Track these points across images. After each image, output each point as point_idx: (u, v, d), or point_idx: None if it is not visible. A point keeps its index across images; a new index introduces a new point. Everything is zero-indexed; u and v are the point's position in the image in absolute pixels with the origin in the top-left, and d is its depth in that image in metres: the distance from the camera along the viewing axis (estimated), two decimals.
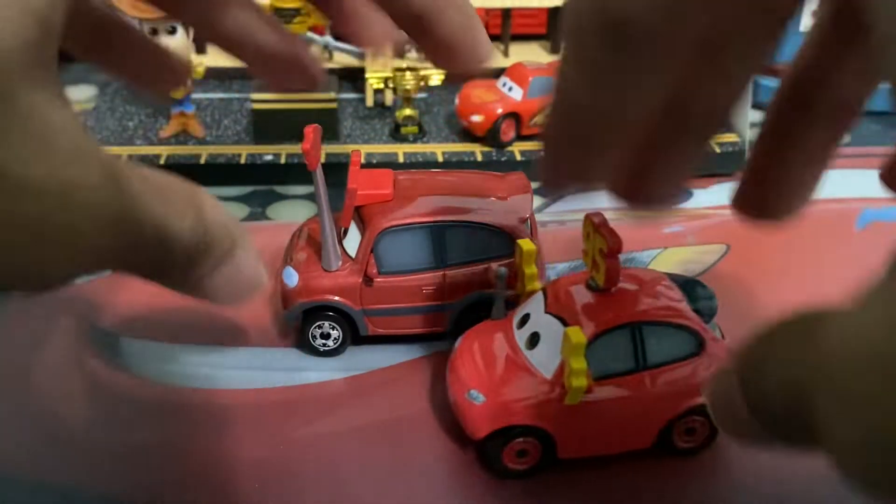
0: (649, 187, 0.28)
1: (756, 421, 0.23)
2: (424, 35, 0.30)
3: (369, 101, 0.59)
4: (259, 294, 0.30)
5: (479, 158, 0.53)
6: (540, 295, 0.32)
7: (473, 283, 0.36)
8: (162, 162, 0.51)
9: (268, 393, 0.35)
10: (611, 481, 0.31)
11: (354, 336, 0.37)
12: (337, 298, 0.36)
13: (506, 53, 0.64)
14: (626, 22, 0.22)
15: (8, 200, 0.19)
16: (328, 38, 0.61)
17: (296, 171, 0.52)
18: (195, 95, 0.54)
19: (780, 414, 0.21)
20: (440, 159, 0.53)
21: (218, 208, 0.29)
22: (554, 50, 0.66)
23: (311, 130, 0.32)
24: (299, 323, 0.37)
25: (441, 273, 0.36)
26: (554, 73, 0.24)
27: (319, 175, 0.34)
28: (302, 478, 0.31)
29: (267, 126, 0.53)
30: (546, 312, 0.31)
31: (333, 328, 0.37)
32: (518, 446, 0.31)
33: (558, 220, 0.47)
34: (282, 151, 0.53)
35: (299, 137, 0.59)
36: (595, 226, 0.29)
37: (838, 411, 0.17)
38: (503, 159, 0.53)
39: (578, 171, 0.27)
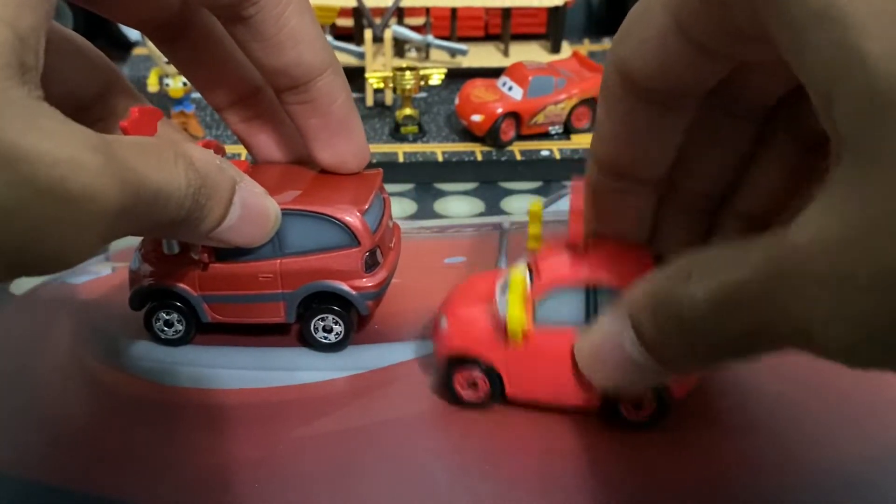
0: (656, 241, 0.32)
1: (656, 356, 0.26)
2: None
3: (369, 101, 0.59)
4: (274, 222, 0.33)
5: (479, 158, 0.53)
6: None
7: (312, 272, 0.36)
8: None
9: (267, 392, 0.35)
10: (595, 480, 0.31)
11: (198, 324, 0.37)
12: (177, 284, 0.36)
13: (506, 53, 0.64)
14: (631, 73, 0.27)
15: (24, 173, 0.21)
16: (328, 38, 0.61)
17: None
18: (195, 95, 0.54)
19: (713, 330, 0.23)
20: (440, 159, 0.53)
21: (207, 153, 0.30)
22: (554, 50, 0.66)
23: (137, 111, 0.32)
24: (144, 310, 0.38)
25: (277, 261, 0.36)
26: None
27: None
28: (302, 477, 0.31)
29: None
30: (525, 263, 0.33)
31: (175, 316, 0.38)
32: (468, 377, 0.34)
33: (558, 220, 0.47)
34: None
35: None
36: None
37: (830, 303, 0.19)
38: (503, 159, 0.53)
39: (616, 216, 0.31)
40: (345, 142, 0.36)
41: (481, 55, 0.64)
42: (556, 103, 0.54)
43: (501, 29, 0.65)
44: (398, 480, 0.31)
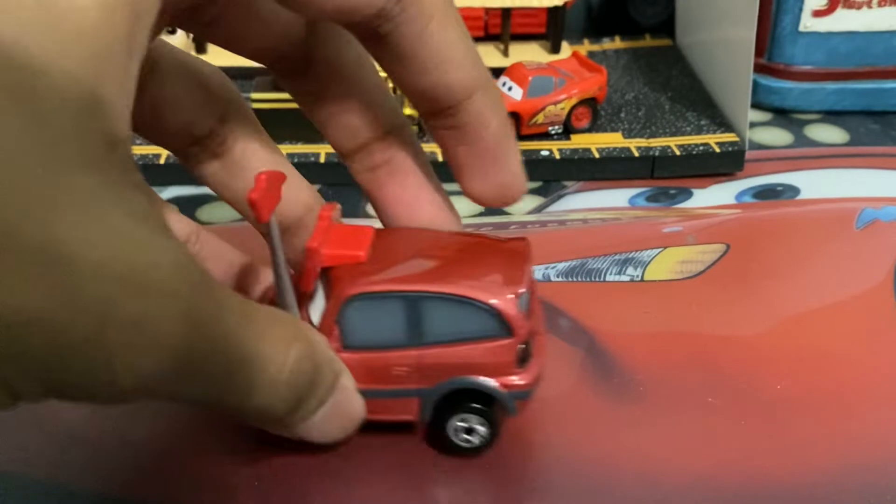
0: None
1: None
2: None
3: None
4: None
5: None
6: None
7: (454, 366, 0.30)
8: (161, 162, 0.51)
9: None
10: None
11: None
12: None
13: (505, 53, 0.64)
14: None
15: (67, 282, 0.17)
16: None
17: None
18: None
19: None
20: (440, 159, 0.53)
21: (324, 341, 0.28)
22: (553, 50, 0.66)
23: (264, 178, 0.27)
24: None
25: (415, 352, 0.30)
26: None
27: (274, 228, 0.28)
28: (301, 478, 0.31)
29: (266, 126, 0.53)
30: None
31: None
32: None
33: (558, 220, 0.47)
34: (282, 152, 0.53)
35: (299, 137, 0.59)
36: None
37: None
38: None
39: None
40: (497, 172, 0.30)
41: (481, 55, 0.64)
42: (555, 103, 0.54)
43: (501, 29, 0.65)
44: (398, 481, 0.31)
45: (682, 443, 0.32)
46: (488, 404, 0.31)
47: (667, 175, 0.52)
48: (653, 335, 0.38)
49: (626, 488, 0.31)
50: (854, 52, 0.57)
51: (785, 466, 0.31)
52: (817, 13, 0.56)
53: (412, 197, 0.32)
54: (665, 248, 0.45)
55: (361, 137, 0.31)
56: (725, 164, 0.52)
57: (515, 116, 0.54)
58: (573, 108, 0.55)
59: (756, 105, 0.58)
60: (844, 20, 0.56)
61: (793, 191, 0.50)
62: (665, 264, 0.43)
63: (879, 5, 0.56)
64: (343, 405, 0.28)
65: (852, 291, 0.41)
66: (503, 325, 0.29)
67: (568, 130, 0.55)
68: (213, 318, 0.21)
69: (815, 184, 0.51)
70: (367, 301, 0.29)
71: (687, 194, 0.50)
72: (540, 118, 0.54)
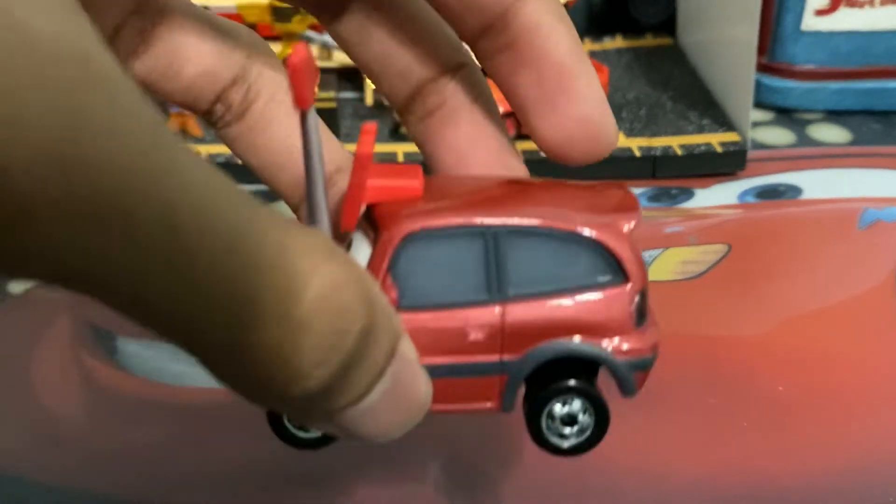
0: None
1: None
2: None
3: (369, 100, 0.58)
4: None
5: None
6: None
7: (549, 326, 0.22)
8: None
9: None
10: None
11: None
12: None
13: None
14: None
15: None
16: (328, 37, 0.61)
17: None
18: None
19: None
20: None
21: (377, 286, 0.19)
22: None
23: (304, 48, 0.20)
24: None
25: (496, 308, 0.22)
26: None
27: (313, 118, 0.19)
28: (301, 478, 0.31)
29: None
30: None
31: None
32: None
33: None
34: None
35: None
36: None
37: None
38: None
39: None
40: (571, 101, 0.23)
41: None
42: None
43: None
44: (398, 482, 0.31)
45: (683, 443, 0.32)
46: (592, 379, 0.23)
47: (668, 175, 0.52)
48: None
49: (627, 488, 0.30)
50: (856, 51, 0.57)
51: (786, 467, 0.31)
52: (820, 12, 0.56)
53: (466, 142, 0.25)
54: (666, 248, 0.45)
55: (415, 80, 0.25)
56: (727, 164, 0.52)
57: (515, 117, 0.53)
58: None
59: (758, 104, 0.58)
60: (847, 19, 0.56)
61: (795, 191, 0.50)
62: (667, 265, 0.43)
63: (882, 4, 0.55)
64: (407, 382, 0.19)
65: (854, 292, 0.41)
66: (615, 268, 0.22)
67: None
68: (132, 142, 0.13)
69: (818, 184, 0.51)
70: (431, 241, 0.21)
71: (689, 194, 0.50)
72: None
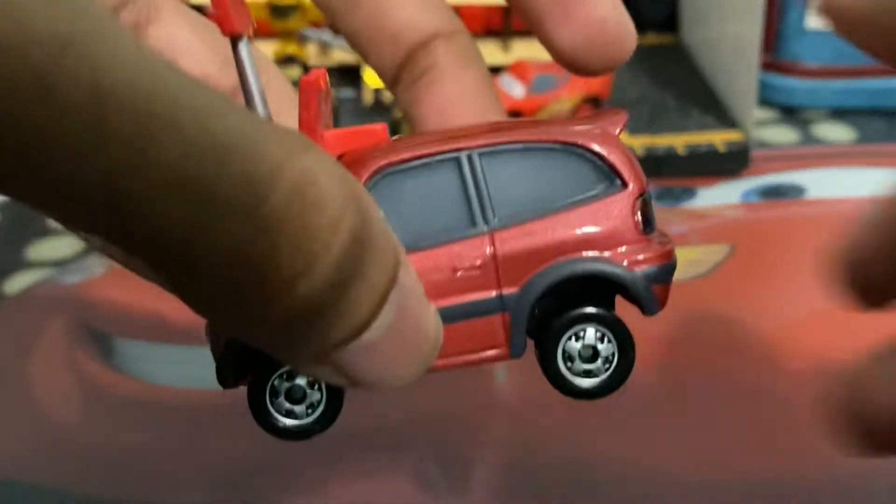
0: None
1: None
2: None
3: (367, 99, 0.58)
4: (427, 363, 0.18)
5: None
6: None
7: (549, 248, 0.19)
8: None
9: None
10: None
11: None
12: None
13: (507, 50, 0.64)
14: None
15: None
16: (326, 35, 0.60)
17: None
18: None
19: None
20: None
21: (368, 197, 0.16)
22: None
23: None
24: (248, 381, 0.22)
25: (486, 238, 0.20)
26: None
27: (245, 50, 0.18)
28: (300, 479, 0.31)
29: None
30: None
31: (303, 381, 0.21)
32: None
33: None
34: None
35: None
36: None
37: None
38: None
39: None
40: (584, 4, 0.21)
41: (482, 52, 0.64)
42: (558, 101, 0.54)
43: (503, 25, 0.65)
44: (398, 483, 0.31)
45: (683, 443, 0.32)
46: (609, 302, 0.20)
47: (671, 174, 0.51)
48: (657, 336, 0.38)
49: (628, 489, 0.30)
50: None
51: (788, 468, 0.31)
52: None
53: (448, 102, 0.24)
54: None
55: (405, 45, 0.24)
56: (731, 163, 0.52)
57: (517, 115, 0.53)
58: (576, 106, 0.54)
59: (762, 103, 0.58)
60: None
61: (799, 190, 0.50)
62: None
63: None
64: (409, 311, 0.16)
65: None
66: (608, 175, 0.20)
67: None
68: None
69: (822, 182, 0.50)
70: (402, 176, 0.19)
71: (691, 193, 0.50)
72: (543, 116, 0.54)
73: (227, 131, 0.13)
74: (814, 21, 0.56)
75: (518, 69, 0.54)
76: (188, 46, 0.24)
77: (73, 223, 0.13)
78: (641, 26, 0.74)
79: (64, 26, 0.12)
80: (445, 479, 0.31)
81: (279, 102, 0.23)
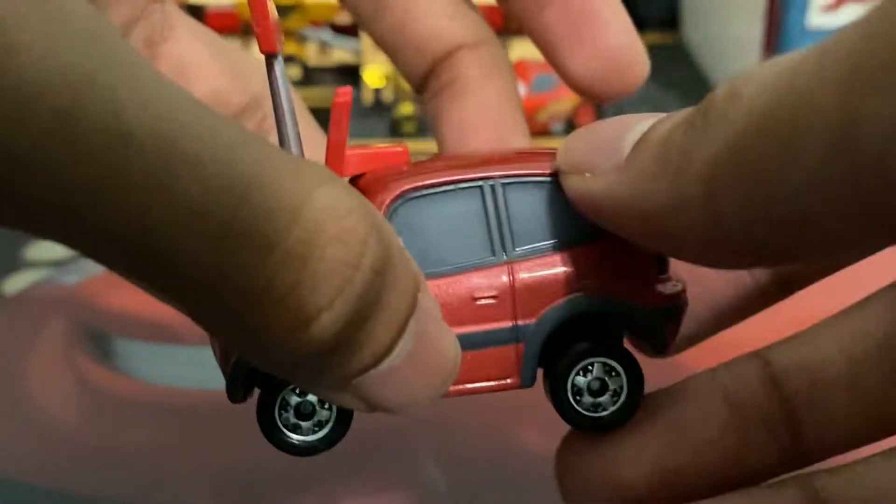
0: None
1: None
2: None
3: (367, 98, 0.58)
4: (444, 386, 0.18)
5: None
6: None
7: (565, 283, 0.20)
8: None
9: None
10: None
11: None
12: None
13: (507, 49, 0.64)
14: None
15: None
16: (326, 35, 0.60)
17: None
18: None
19: None
20: None
21: (389, 227, 0.16)
22: None
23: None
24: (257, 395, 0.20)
25: (504, 268, 0.20)
26: None
27: (279, 68, 0.18)
28: (300, 479, 0.31)
29: None
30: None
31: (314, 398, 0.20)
32: None
33: None
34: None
35: None
36: None
37: None
38: None
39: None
40: (599, 32, 0.22)
41: None
42: (558, 101, 0.54)
43: (503, 25, 0.65)
44: (398, 484, 0.31)
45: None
46: (620, 336, 0.21)
47: None
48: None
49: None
50: None
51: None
52: (825, 8, 0.56)
53: (469, 119, 0.23)
54: None
55: (430, 55, 0.24)
56: None
57: None
58: (576, 105, 0.54)
59: None
60: (853, 16, 0.56)
61: None
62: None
63: None
64: (433, 339, 0.17)
65: (863, 293, 0.40)
66: None
67: (572, 128, 0.55)
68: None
69: None
70: (424, 201, 0.19)
71: None
72: (543, 116, 0.54)
73: (249, 166, 0.13)
74: (815, 21, 0.56)
75: (518, 68, 0.54)
76: (200, 62, 0.25)
77: (97, 259, 0.13)
78: (642, 25, 0.74)
79: (88, 62, 0.12)
80: (445, 478, 0.31)
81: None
